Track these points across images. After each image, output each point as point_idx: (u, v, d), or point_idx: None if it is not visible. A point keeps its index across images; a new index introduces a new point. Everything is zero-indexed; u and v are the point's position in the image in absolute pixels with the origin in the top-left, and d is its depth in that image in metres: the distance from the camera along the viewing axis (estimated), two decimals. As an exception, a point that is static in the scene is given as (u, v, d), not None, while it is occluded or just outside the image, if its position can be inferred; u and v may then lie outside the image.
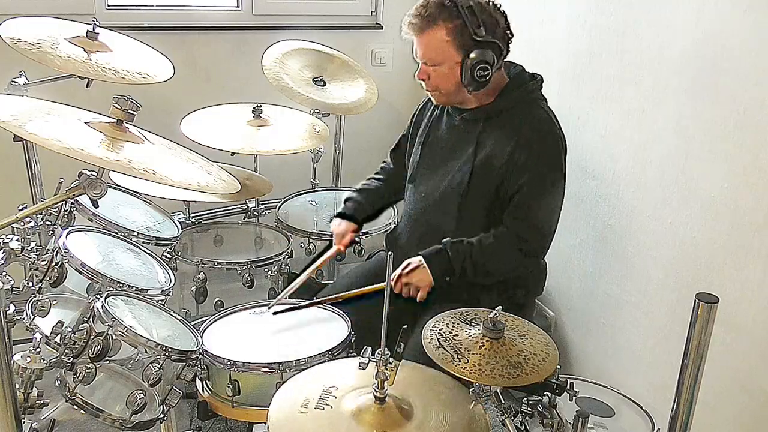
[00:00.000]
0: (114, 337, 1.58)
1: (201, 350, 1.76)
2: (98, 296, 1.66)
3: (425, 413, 1.24)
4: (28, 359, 1.58)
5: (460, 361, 1.40)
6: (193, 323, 1.88)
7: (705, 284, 1.95)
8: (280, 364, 1.73)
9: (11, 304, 1.64)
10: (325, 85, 2.75)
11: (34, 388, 1.59)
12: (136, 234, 2.09)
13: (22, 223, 1.85)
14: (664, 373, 2.08)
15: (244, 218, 2.61)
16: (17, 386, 1.52)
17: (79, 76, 1.93)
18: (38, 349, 1.60)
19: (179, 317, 1.86)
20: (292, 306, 2.00)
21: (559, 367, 1.48)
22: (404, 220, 2.20)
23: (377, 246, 2.40)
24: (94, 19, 2.08)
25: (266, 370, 1.74)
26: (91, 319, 1.62)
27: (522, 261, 2.00)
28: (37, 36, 1.94)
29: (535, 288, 2.19)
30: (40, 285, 1.69)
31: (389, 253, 1.34)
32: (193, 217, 2.55)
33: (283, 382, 1.53)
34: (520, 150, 1.91)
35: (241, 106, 2.51)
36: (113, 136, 1.55)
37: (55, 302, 1.74)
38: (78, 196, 1.55)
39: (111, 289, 1.73)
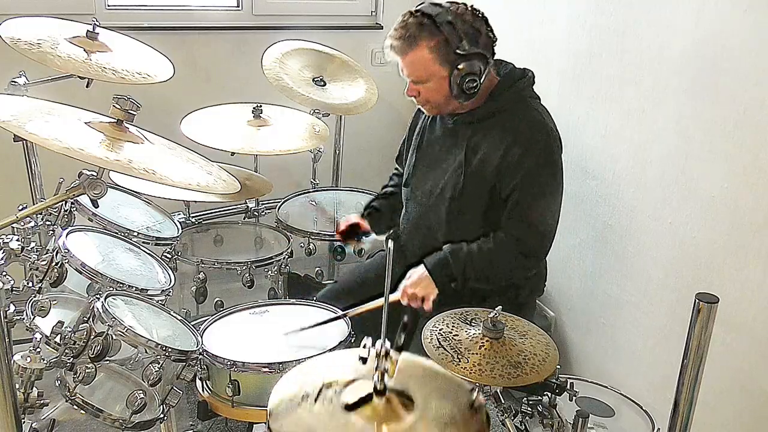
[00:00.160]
0: (114, 337, 1.58)
1: (201, 350, 1.76)
2: (98, 296, 1.66)
3: (425, 405, 1.24)
4: (28, 359, 1.58)
5: (460, 361, 1.40)
6: (193, 323, 1.88)
7: (705, 284, 1.95)
8: (280, 364, 1.73)
9: (11, 304, 1.64)
10: (325, 85, 2.75)
11: (34, 388, 1.59)
12: (136, 234, 2.09)
13: (22, 223, 1.85)
14: (664, 373, 2.08)
15: (244, 218, 2.61)
16: (17, 386, 1.52)
17: (79, 76, 1.93)
18: (38, 349, 1.60)
19: (179, 317, 1.86)
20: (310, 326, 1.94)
21: (559, 367, 1.48)
22: (403, 223, 2.19)
23: (377, 246, 2.40)
24: (94, 19, 2.08)
25: (266, 370, 1.74)
26: (91, 319, 1.62)
27: (523, 263, 2.00)
28: (37, 36, 1.94)
29: (536, 288, 2.19)
30: (40, 285, 1.69)
31: (389, 241, 1.34)
32: (193, 217, 2.55)
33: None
34: (513, 150, 1.91)
35: (241, 106, 2.51)
36: (113, 136, 1.55)
37: (55, 302, 1.74)
38: (78, 196, 1.54)
39: (111, 289, 1.73)
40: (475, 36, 1.88)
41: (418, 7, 1.90)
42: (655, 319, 2.16)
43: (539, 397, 1.52)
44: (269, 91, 2.60)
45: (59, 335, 1.62)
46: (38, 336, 1.63)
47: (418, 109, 2.19)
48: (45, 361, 1.60)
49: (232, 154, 2.34)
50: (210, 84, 2.92)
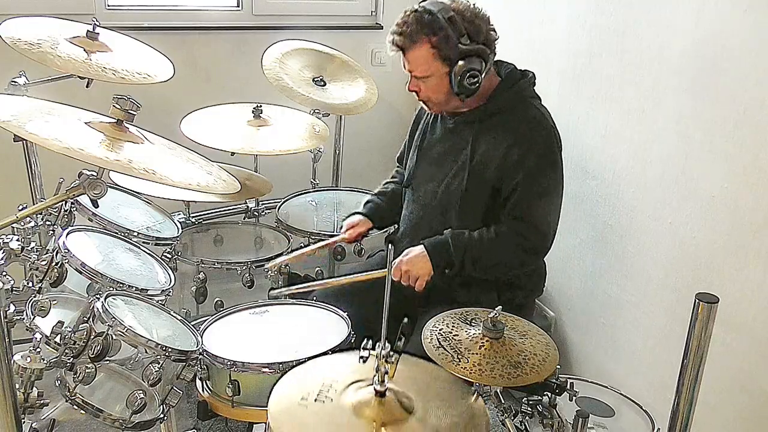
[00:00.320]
0: (114, 337, 1.58)
1: (201, 350, 1.76)
2: (98, 296, 1.66)
3: (426, 407, 1.24)
4: (28, 359, 1.58)
5: (460, 361, 1.40)
6: (193, 323, 1.88)
7: (705, 284, 1.95)
8: (280, 364, 1.73)
9: (11, 304, 1.63)
10: (325, 85, 2.75)
11: (34, 388, 1.59)
12: (136, 234, 2.09)
13: (22, 223, 1.85)
14: (664, 373, 2.08)
15: (244, 218, 2.61)
16: (17, 386, 1.52)
17: (79, 76, 1.93)
18: (38, 349, 1.60)
19: (179, 317, 1.86)
20: (293, 290, 2.06)
21: (559, 367, 1.48)
22: (404, 224, 2.19)
23: (377, 246, 2.40)
24: (94, 19, 2.08)
25: (266, 370, 1.74)
26: (91, 319, 1.62)
27: (523, 258, 2.01)
28: (37, 36, 1.94)
29: (535, 288, 2.19)
30: (40, 285, 1.69)
31: (389, 245, 1.34)
32: (193, 217, 2.55)
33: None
34: (514, 150, 1.92)
35: (241, 106, 2.51)
36: (113, 136, 1.55)
37: (55, 302, 1.74)
38: (78, 196, 1.55)
39: (111, 289, 1.73)
40: (476, 33, 1.89)
41: (421, 4, 1.91)
42: (655, 319, 2.16)
43: (539, 397, 1.52)
44: (269, 91, 2.60)
45: (59, 335, 1.62)
46: (38, 336, 1.63)
47: (420, 109, 2.20)
48: (45, 361, 1.60)
49: (232, 154, 2.34)
50: (210, 84, 2.92)
